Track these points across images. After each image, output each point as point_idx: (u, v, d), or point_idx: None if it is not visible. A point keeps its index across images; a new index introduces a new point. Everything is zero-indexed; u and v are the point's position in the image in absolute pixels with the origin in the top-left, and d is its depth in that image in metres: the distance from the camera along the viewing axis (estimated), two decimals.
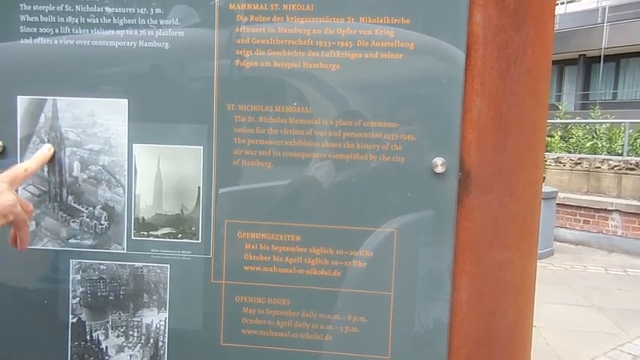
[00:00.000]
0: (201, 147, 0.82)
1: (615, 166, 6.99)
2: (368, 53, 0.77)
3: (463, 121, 0.75)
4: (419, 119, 0.77)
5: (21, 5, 0.83)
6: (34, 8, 0.83)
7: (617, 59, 14.79)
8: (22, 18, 0.83)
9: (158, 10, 0.81)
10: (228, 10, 0.79)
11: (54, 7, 0.82)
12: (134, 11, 0.81)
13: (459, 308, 0.77)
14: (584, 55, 15.29)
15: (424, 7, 0.75)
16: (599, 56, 14.44)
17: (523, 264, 0.80)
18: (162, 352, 0.84)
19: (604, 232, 6.38)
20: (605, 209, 6.37)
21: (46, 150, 0.83)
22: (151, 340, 0.85)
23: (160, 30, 0.81)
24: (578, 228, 6.61)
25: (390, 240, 0.79)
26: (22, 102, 0.85)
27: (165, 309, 0.84)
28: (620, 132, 8.07)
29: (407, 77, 0.77)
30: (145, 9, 0.81)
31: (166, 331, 0.84)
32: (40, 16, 0.83)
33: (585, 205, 6.54)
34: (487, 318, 0.78)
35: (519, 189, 0.78)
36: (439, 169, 0.76)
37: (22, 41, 0.83)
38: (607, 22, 14.09)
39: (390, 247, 0.79)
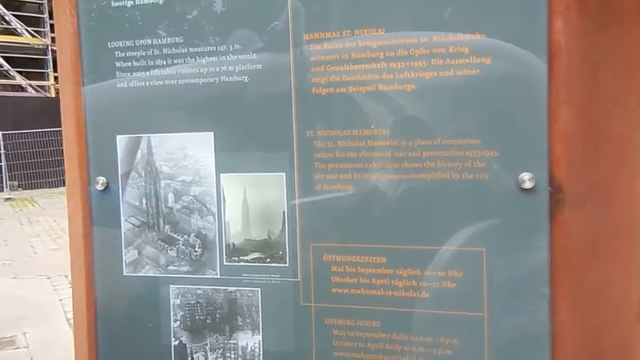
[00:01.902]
0: (284, 174, 0.85)
1: None
2: (443, 71, 0.76)
3: (550, 134, 0.72)
4: (502, 134, 0.75)
5: (116, 53, 0.91)
6: (127, 55, 0.91)
7: None
8: (118, 64, 0.91)
9: (237, 47, 0.85)
10: (302, 40, 0.82)
11: (144, 53, 0.90)
12: (215, 49, 0.87)
13: (559, 330, 0.73)
14: None
15: (499, 20, 0.74)
16: None
17: (626, 282, 0.75)
18: None
19: None
20: None
21: None
22: None
23: (240, 65, 0.85)
24: None
25: (479, 259, 0.77)
26: (121, 141, 0.92)
27: (258, 331, 0.88)
28: None
29: (486, 92, 0.75)
30: (224, 46, 0.86)
31: (261, 353, 0.87)
32: (133, 61, 0.90)
33: None
34: (591, 340, 0.74)
35: (616, 203, 0.73)
36: (527, 185, 0.73)
37: (118, 85, 0.92)
38: None
39: (479, 266, 0.77)
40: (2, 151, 12.27)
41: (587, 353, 0.75)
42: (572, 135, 0.72)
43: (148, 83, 0.90)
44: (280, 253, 0.86)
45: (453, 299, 0.78)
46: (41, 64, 16.07)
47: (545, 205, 0.74)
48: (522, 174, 0.74)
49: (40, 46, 15.91)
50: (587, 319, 0.74)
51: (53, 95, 15.47)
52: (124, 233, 0.93)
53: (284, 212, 0.85)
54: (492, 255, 0.76)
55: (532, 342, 0.76)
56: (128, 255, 0.93)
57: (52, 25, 15.67)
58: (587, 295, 0.74)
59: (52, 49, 15.72)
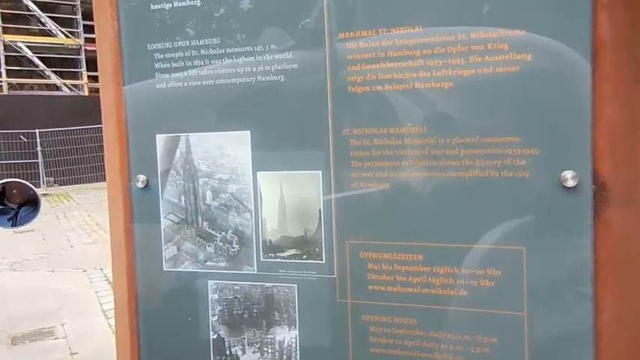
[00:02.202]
0: (320, 171, 0.86)
1: None
2: (482, 68, 0.76)
3: (594, 130, 0.71)
4: (543, 132, 0.74)
5: (155, 55, 0.93)
6: (166, 56, 0.93)
7: None
8: (157, 66, 0.93)
9: (273, 46, 0.86)
10: (339, 39, 0.83)
11: (182, 54, 0.92)
12: (251, 49, 0.88)
13: (604, 330, 0.72)
14: None
15: (540, 15, 0.72)
16: None
17: None
18: None
19: None
20: None
21: None
22: (284, 357, 0.90)
23: (276, 64, 0.86)
24: None
25: (519, 258, 0.76)
26: (160, 140, 0.95)
27: (295, 327, 0.89)
28: None
29: (526, 89, 0.74)
30: (261, 46, 0.87)
31: (298, 348, 0.89)
32: (171, 62, 0.92)
33: None
34: (636, 339, 0.72)
35: None
36: (570, 183, 0.72)
37: (157, 86, 0.94)
38: None
39: (519, 265, 0.76)
40: (39, 148, 12.70)
41: (633, 353, 0.73)
42: (616, 131, 0.71)
43: (186, 84, 0.92)
44: (316, 250, 0.87)
45: (491, 298, 0.78)
46: (75, 63, 16.52)
47: (589, 203, 0.72)
48: (565, 172, 0.72)
49: (74, 46, 16.35)
50: (632, 319, 0.73)
51: (87, 94, 15.90)
52: (164, 230, 0.96)
53: (320, 210, 0.86)
54: (533, 254, 0.75)
55: (575, 341, 0.74)
56: (168, 251, 0.96)
57: (85, 26, 16.09)
58: (631, 294, 0.72)
59: (85, 49, 16.14)
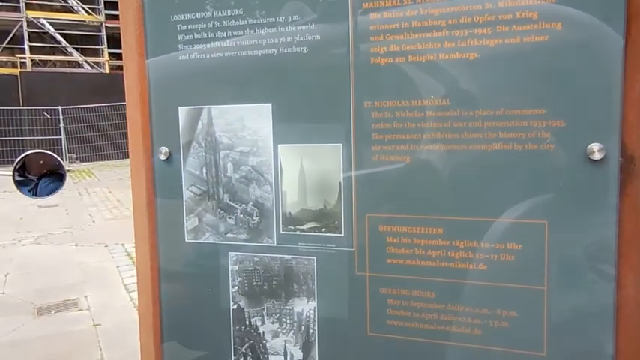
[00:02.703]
0: (340, 144, 0.85)
1: None
2: (509, 38, 0.74)
3: (624, 102, 0.69)
4: (570, 103, 0.72)
5: (178, 26, 0.93)
6: (188, 28, 0.92)
7: None
8: (180, 37, 0.93)
9: (295, 17, 0.85)
10: (362, 9, 0.81)
11: (205, 25, 0.91)
12: (274, 20, 0.87)
13: (625, 305, 0.71)
14: None
15: None
16: None
17: None
18: (312, 338, 0.91)
19: None
20: None
21: None
22: (302, 327, 0.91)
23: (298, 35, 0.85)
24: None
25: (541, 232, 0.75)
26: (183, 112, 0.95)
27: (313, 298, 0.90)
28: None
29: (555, 59, 0.72)
30: (283, 17, 0.86)
31: (316, 319, 0.90)
32: (194, 34, 0.92)
33: None
34: None
35: None
36: (596, 156, 0.70)
37: (180, 58, 0.94)
38: None
39: (540, 239, 0.75)
40: (62, 125, 12.92)
41: None
42: None
43: (208, 55, 0.92)
44: (336, 223, 0.87)
45: (511, 271, 0.77)
46: (96, 40, 16.64)
47: (615, 176, 0.71)
48: (591, 144, 0.71)
49: (95, 23, 16.44)
50: None
51: (107, 71, 16.04)
52: (185, 201, 0.97)
53: (340, 183, 0.86)
54: (555, 227, 0.74)
55: (595, 316, 0.74)
56: (189, 222, 0.97)
57: (105, 3, 16.14)
58: None
59: (105, 26, 16.22)
